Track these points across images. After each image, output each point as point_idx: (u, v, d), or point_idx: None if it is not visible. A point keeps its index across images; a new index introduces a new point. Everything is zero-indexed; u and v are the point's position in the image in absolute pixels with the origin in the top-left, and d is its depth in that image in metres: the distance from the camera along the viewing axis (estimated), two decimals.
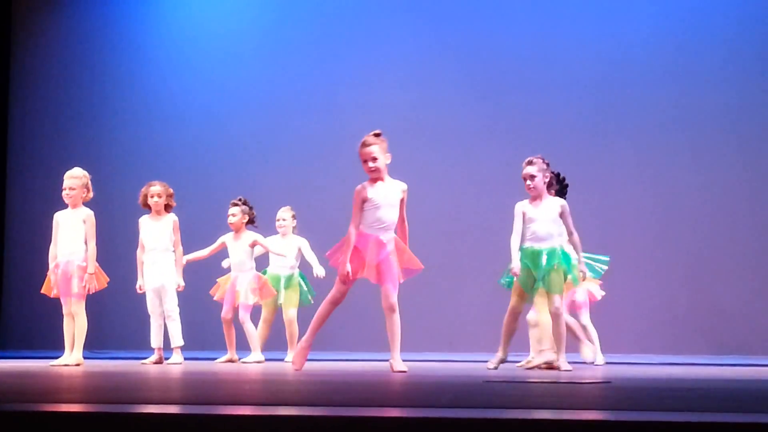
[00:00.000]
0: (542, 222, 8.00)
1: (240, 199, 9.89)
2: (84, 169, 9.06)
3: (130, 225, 11.49)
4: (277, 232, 10.17)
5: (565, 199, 8.39)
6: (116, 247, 10.88)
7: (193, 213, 12.74)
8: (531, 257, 7.98)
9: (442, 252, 11.39)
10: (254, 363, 9.43)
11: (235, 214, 9.77)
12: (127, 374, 7.03)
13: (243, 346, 9.83)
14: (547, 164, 8.07)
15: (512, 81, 12.22)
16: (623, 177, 11.74)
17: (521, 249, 8.00)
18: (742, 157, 11.52)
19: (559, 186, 8.44)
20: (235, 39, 13.29)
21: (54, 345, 9.93)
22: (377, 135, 7.42)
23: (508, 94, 12.19)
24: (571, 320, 8.92)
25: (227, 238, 9.88)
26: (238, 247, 9.80)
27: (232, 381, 6.17)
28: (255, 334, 9.72)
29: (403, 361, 7.37)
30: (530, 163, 8.04)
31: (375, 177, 7.40)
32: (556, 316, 7.93)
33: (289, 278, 10.07)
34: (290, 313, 9.98)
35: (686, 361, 9.78)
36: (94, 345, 11.01)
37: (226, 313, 9.74)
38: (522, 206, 8.07)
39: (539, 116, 11.98)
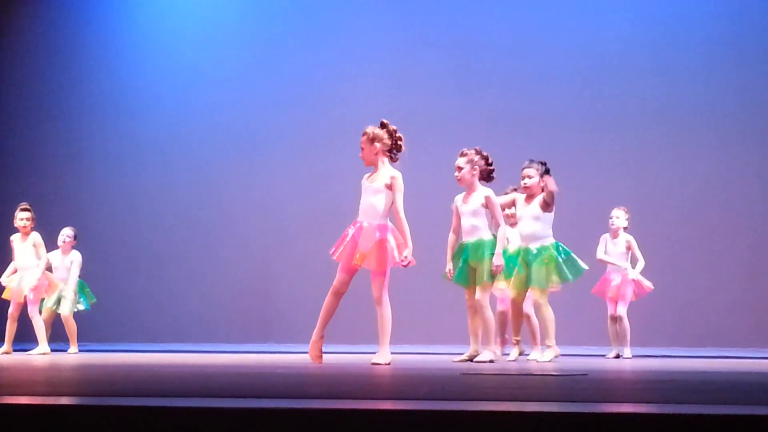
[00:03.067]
0: (465, 215, 8.01)
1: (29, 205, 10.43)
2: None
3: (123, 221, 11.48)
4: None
5: (489, 183, 8.27)
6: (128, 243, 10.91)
7: (162, 205, 12.75)
8: (460, 251, 8.04)
9: (420, 244, 11.39)
10: (41, 354, 10.00)
11: (29, 218, 10.33)
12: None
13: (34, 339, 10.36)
14: (485, 157, 8.01)
15: (500, 75, 12.19)
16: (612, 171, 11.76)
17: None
18: None
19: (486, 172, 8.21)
20: (214, 31, 13.23)
21: None
22: (382, 124, 7.61)
23: (496, 88, 12.15)
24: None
25: (15, 239, 10.43)
26: (25, 247, 10.33)
27: (206, 374, 6.17)
28: (43, 327, 10.30)
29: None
30: (461, 154, 8.04)
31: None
32: (479, 306, 7.92)
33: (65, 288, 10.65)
34: (65, 311, 10.59)
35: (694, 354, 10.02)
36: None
37: (14, 309, 10.34)
38: (456, 200, 8.11)
39: (534, 111, 11.98)
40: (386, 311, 7.44)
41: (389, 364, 7.31)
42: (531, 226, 8.32)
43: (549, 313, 8.25)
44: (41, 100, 13.39)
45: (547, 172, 8.37)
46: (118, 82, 13.28)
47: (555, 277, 8.34)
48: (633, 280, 9.86)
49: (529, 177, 8.39)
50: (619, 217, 9.92)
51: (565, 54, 12.04)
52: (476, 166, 7.97)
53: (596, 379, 5.58)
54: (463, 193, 8.09)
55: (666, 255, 11.29)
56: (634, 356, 9.80)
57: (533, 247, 8.29)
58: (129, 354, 10.17)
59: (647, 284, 9.91)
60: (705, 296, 11.40)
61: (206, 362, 7.95)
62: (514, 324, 8.60)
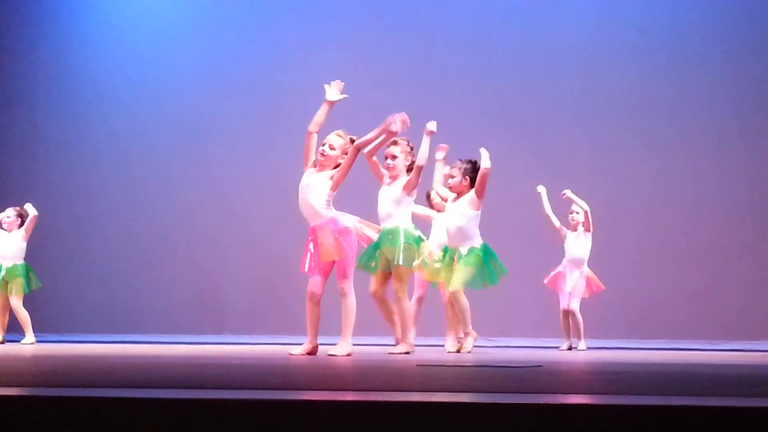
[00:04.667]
0: (387, 202, 8.00)
1: None
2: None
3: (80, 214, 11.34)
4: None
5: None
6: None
7: (129, 196, 12.66)
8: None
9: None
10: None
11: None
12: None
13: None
14: (411, 148, 8.06)
15: (494, 69, 12.12)
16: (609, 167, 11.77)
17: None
18: (744, 147, 11.53)
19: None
20: (171, 19, 13.14)
21: None
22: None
23: (487, 82, 12.08)
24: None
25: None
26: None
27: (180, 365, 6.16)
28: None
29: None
30: (395, 143, 8.03)
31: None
32: (396, 297, 7.95)
33: (12, 269, 10.65)
34: (14, 301, 10.59)
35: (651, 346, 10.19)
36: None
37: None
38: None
39: (525, 105, 11.96)
40: (350, 302, 7.45)
41: (349, 355, 7.32)
42: (457, 223, 8.34)
43: (465, 302, 8.31)
44: None
45: (473, 171, 8.33)
46: (75, 69, 13.16)
47: (480, 280, 8.38)
48: (587, 277, 9.99)
49: (452, 177, 8.43)
50: (579, 212, 10.01)
51: (553, 49, 11.95)
52: (409, 156, 8.00)
53: (550, 371, 5.61)
54: (389, 181, 8.05)
55: (622, 247, 11.38)
56: (588, 348, 9.90)
57: (462, 248, 8.32)
58: (83, 345, 10.13)
59: (598, 283, 10.08)
60: (660, 288, 11.47)
61: (161, 353, 7.93)
62: (452, 317, 8.70)
